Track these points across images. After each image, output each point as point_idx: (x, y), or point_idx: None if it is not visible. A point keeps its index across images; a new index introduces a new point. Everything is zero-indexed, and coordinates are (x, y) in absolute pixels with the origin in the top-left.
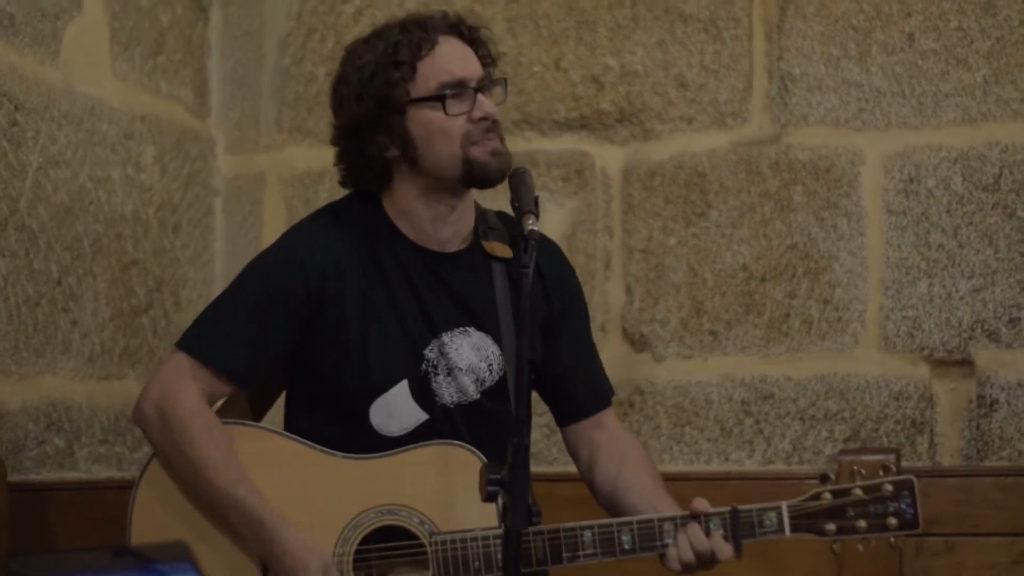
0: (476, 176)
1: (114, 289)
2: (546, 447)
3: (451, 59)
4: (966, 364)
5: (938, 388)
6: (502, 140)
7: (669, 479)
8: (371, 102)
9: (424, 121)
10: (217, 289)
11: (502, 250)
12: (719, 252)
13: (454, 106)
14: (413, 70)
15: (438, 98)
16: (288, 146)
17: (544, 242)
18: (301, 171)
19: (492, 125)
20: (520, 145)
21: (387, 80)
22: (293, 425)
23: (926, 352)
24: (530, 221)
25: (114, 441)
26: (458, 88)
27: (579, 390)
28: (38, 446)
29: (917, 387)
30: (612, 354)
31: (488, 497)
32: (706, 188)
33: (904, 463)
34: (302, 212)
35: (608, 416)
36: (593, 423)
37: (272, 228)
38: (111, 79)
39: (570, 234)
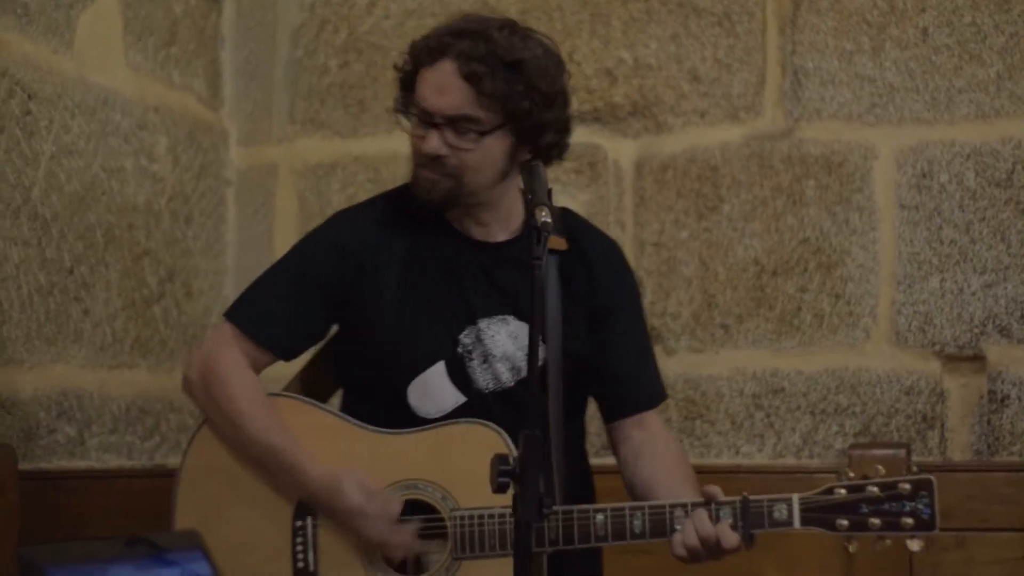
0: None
1: (126, 279)
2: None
3: (427, 86)
4: (977, 359)
5: (949, 383)
6: (454, 181)
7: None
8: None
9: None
10: (229, 280)
11: (555, 242)
12: (731, 246)
13: (414, 128)
14: (415, 75)
15: (402, 110)
16: (300, 138)
17: (600, 237)
18: (313, 163)
19: (432, 163)
20: None
21: (402, 76)
22: (345, 404)
23: (937, 347)
24: (543, 213)
25: (125, 430)
26: (419, 114)
27: (624, 387)
28: (49, 434)
29: (928, 382)
30: None
31: (498, 488)
32: (718, 182)
33: (914, 458)
34: (314, 204)
35: (651, 416)
36: (635, 422)
37: (284, 220)
38: (124, 69)
39: None
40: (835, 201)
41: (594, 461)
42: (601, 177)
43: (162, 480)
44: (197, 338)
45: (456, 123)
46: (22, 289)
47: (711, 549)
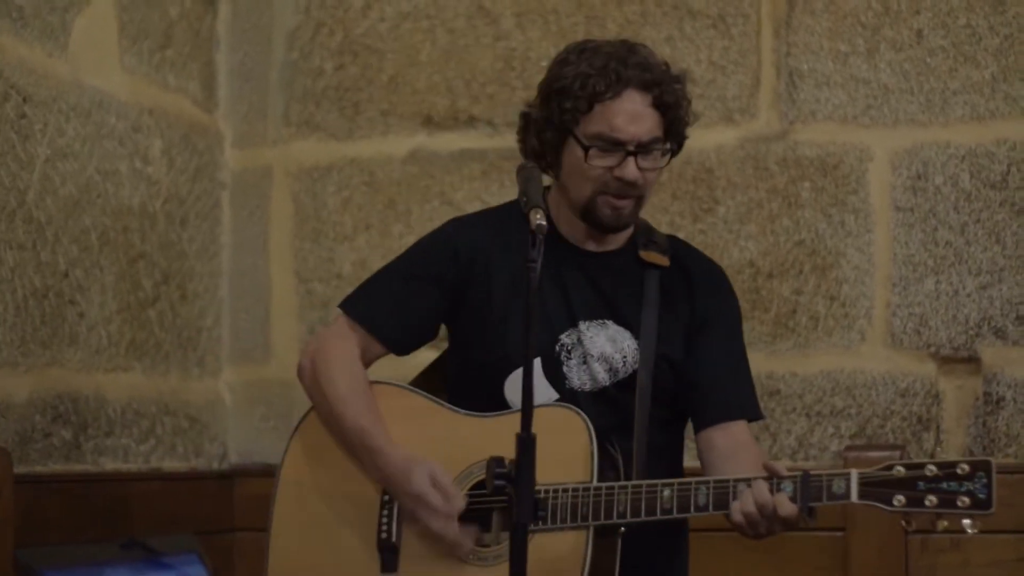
0: (590, 218)
1: (121, 282)
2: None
3: (621, 116)
4: (973, 361)
5: (944, 385)
6: (638, 202)
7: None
8: (547, 113)
9: (572, 155)
10: (225, 283)
11: (659, 259)
12: (726, 248)
13: (596, 158)
14: (589, 107)
15: (586, 146)
16: (296, 140)
17: (705, 260)
18: (309, 165)
19: (629, 189)
20: None
21: (563, 106)
22: (452, 396)
23: (933, 349)
24: (538, 216)
25: (120, 433)
26: (609, 146)
27: (711, 396)
28: (44, 438)
29: (923, 384)
30: None
31: (495, 490)
32: (713, 184)
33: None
34: (309, 206)
35: (739, 427)
36: (721, 430)
37: (279, 222)
38: (119, 72)
39: None
40: (830, 203)
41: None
42: None
43: (158, 483)
44: (192, 341)
45: (647, 147)
46: (17, 292)
47: (768, 517)
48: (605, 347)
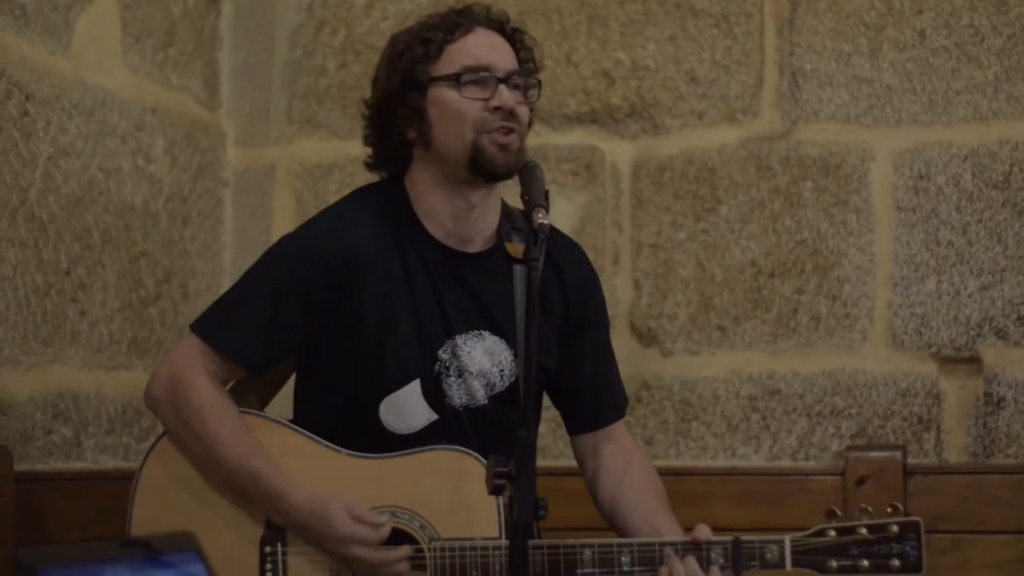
0: (480, 165)
1: (123, 280)
2: (552, 441)
3: (481, 46)
4: (974, 361)
5: (946, 385)
6: (521, 137)
7: (675, 474)
8: (396, 78)
9: (441, 101)
10: (226, 281)
11: (518, 250)
12: (728, 247)
13: (471, 90)
14: (440, 50)
15: (455, 77)
16: (298, 139)
17: (570, 246)
18: (311, 164)
19: (508, 116)
20: (530, 139)
21: (413, 57)
22: (302, 414)
23: (934, 349)
24: (540, 215)
25: (121, 431)
26: (480, 72)
27: (591, 401)
28: (45, 436)
29: (924, 384)
30: (620, 349)
31: (495, 490)
32: (716, 183)
33: (910, 460)
34: (312, 205)
35: (618, 428)
36: (602, 435)
37: (281, 221)
38: (122, 70)
39: (579, 228)
40: (832, 203)
41: (562, 463)
42: (598, 179)
43: None
44: None
45: (513, 76)
46: (19, 290)
47: None
48: (483, 362)
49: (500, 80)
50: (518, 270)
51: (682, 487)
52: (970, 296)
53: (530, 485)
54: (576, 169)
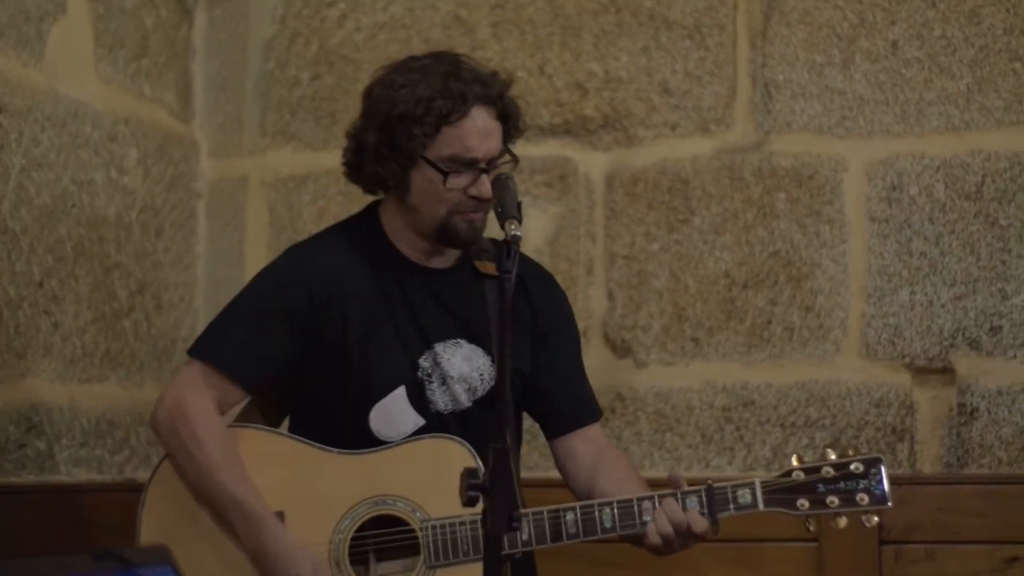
0: (447, 237)
1: (96, 292)
2: (526, 452)
3: (473, 135)
4: (947, 372)
5: (919, 396)
6: (485, 213)
7: (650, 485)
8: (388, 140)
9: (425, 180)
10: (200, 293)
11: (493, 268)
12: (701, 258)
13: (455, 181)
14: (436, 131)
15: (444, 167)
16: (271, 150)
17: (532, 263)
18: (284, 175)
19: (481, 204)
20: None
21: (409, 132)
22: (297, 433)
23: (907, 360)
24: (512, 226)
25: (95, 444)
26: (464, 167)
27: (565, 404)
28: (18, 449)
29: (898, 394)
30: (594, 360)
31: (468, 502)
32: (689, 194)
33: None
34: (285, 216)
35: (594, 430)
36: (578, 436)
37: (255, 232)
38: (95, 82)
39: (553, 240)
40: (805, 214)
41: (535, 475)
42: (572, 190)
43: (132, 494)
44: (167, 351)
45: (496, 161)
46: None
47: (683, 535)
48: (463, 367)
49: (483, 170)
50: (488, 284)
51: None
52: (943, 306)
53: (506, 496)
54: (549, 180)
